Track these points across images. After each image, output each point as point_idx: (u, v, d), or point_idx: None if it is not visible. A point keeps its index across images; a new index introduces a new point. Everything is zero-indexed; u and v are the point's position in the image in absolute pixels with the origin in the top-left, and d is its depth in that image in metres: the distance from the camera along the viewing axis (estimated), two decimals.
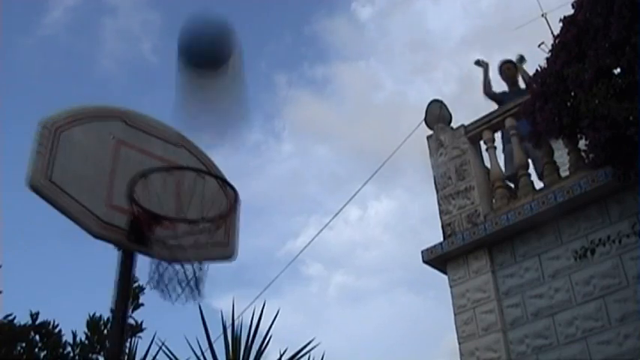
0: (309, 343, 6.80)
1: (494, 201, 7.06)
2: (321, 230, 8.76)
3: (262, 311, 6.90)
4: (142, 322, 8.71)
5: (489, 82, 8.30)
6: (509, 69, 8.33)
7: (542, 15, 10.03)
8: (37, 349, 8.49)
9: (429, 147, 7.73)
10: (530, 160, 7.30)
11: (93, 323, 8.63)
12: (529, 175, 7.02)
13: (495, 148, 7.36)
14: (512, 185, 7.31)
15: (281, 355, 6.78)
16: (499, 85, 8.45)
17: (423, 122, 7.90)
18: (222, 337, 6.82)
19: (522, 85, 8.22)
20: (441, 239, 7.07)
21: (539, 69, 6.32)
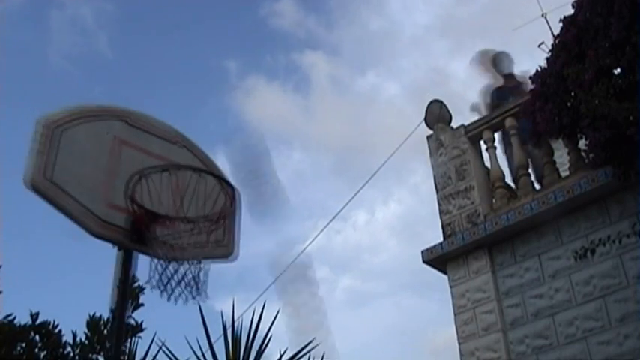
0: (309, 343, 6.79)
1: (494, 201, 7.05)
2: (321, 231, 8.76)
3: (262, 312, 6.89)
4: (142, 322, 8.70)
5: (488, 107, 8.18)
6: (500, 61, 8.23)
7: (543, 15, 10.03)
8: (37, 349, 8.48)
9: (429, 147, 7.73)
10: (529, 161, 7.27)
11: (93, 323, 8.61)
12: (529, 175, 7.01)
13: (495, 148, 7.35)
14: (513, 186, 7.29)
15: (281, 355, 6.77)
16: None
17: (423, 122, 7.90)
18: (222, 337, 6.82)
19: (516, 72, 8.16)
20: (441, 239, 7.07)
21: (539, 69, 6.32)
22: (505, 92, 8.08)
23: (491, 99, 8.14)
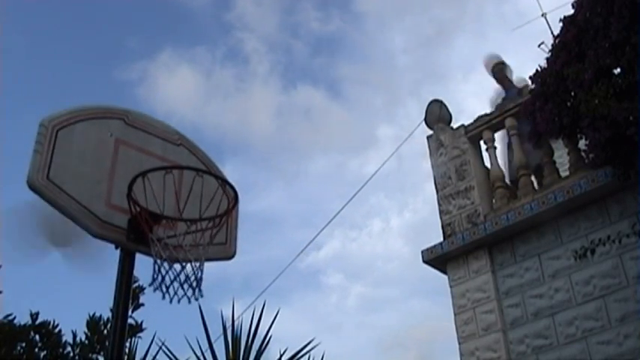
0: (308, 344, 6.80)
1: (494, 201, 7.05)
2: (319, 233, 8.77)
3: (262, 312, 6.90)
4: (142, 322, 8.73)
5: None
6: (501, 70, 8.20)
7: (542, 15, 10.05)
8: (37, 349, 8.50)
9: (429, 147, 7.73)
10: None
11: (93, 323, 8.64)
12: (529, 175, 7.01)
13: (495, 148, 7.35)
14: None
15: (281, 355, 6.78)
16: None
17: (423, 122, 7.90)
18: (222, 337, 6.82)
19: (519, 84, 8.13)
20: (441, 239, 7.07)
21: (539, 69, 6.32)
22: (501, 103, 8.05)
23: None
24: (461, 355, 6.47)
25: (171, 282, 3.57)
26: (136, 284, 8.74)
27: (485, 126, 7.39)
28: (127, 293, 3.62)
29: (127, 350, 6.63)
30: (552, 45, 6.25)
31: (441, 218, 7.21)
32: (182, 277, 3.60)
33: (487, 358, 6.25)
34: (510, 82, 8.19)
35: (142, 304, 9.01)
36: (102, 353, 8.46)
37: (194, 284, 3.60)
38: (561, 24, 6.17)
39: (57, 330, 8.69)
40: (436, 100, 7.91)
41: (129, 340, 7.23)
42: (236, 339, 6.78)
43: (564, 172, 6.84)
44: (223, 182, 3.82)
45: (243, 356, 6.73)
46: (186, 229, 3.65)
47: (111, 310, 3.64)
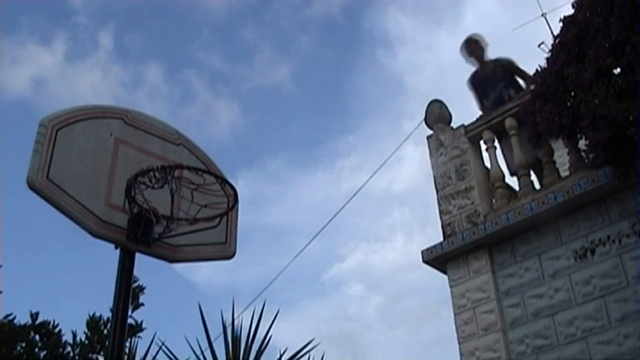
0: (308, 344, 6.80)
1: (494, 201, 7.05)
2: (316, 235, 8.79)
3: (262, 311, 6.91)
4: (141, 322, 8.74)
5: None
6: (474, 44, 8.07)
7: (542, 15, 10.06)
8: (37, 349, 8.51)
9: (429, 147, 7.73)
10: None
11: (93, 323, 8.65)
12: (529, 175, 7.00)
13: (495, 148, 7.35)
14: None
15: (281, 355, 6.79)
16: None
17: (423, 122, 7.89)
18: (221, 337, 6.82)
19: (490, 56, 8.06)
20: (441, 239, 7.07)
21: (539, 69, 6.32)
22: (475, 80, 8.02)
23: (470, 89, 8.11)
24: (461, 355, 6.46)
25: None
26: (136, 284, 8.76)
27: (485, 126, 7.39)
28: (127, 293, 3.62)
29: (127, 350, 6.63)
30: (552, 45, 6.25)
31: (440, 218, 7.21)
32: None
33: (487, 358, 6.25)
34: (487, 61, 8.03)
35: (142, 304, 9.03)
36: (102, 353, 8.47)
37: None
38: (561, 24, 6.17)
39: (57, 330, 8.70)
40: (436, 100, 7.90)
41: (129, 340, 7.24)
42: (236, 339, 6.79)
43: (564, 172, 6.84)
44: (223, 181, 3.83)
45: (243, 356, 6.74)
46: (186, 228, 3.65)
47: (111, 310, 3.64)
